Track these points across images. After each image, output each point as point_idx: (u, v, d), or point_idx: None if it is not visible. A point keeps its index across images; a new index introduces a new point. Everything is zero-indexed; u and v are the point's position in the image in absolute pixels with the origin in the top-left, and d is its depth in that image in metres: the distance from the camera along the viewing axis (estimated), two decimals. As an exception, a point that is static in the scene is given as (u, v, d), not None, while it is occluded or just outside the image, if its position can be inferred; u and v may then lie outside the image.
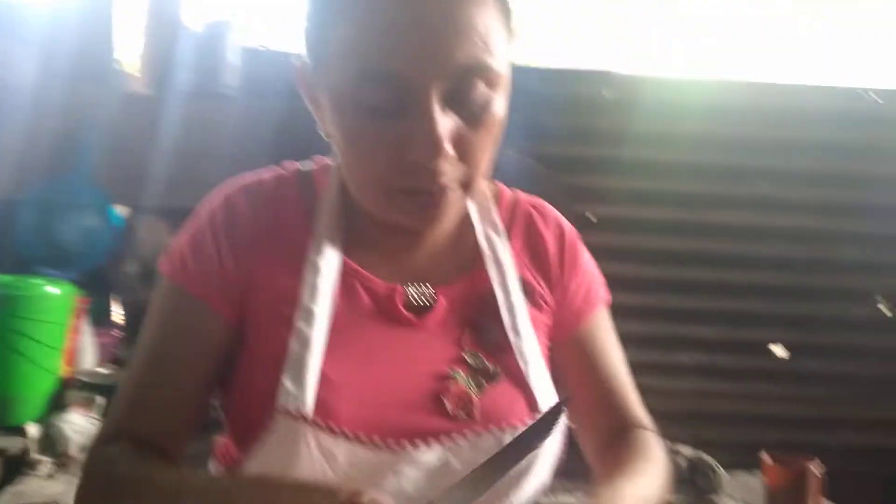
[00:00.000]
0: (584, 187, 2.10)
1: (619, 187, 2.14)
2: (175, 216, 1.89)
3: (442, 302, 0.73)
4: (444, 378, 0.70)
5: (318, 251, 0.71)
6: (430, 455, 0.67)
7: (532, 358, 0.73)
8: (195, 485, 0.64)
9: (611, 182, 2.13)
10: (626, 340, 2.42)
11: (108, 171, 1.85)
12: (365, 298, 0.72)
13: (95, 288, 1.79)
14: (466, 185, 0.66)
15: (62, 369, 1.51)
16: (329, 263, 0.71)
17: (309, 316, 0.68)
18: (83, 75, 1.90)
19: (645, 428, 0.79)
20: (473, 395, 0.69)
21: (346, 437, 0.64)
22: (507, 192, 0.82)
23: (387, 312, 0.72)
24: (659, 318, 2.12)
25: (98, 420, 1.46)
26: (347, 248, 0.73)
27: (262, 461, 0.66)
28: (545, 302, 0.78)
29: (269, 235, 0.72)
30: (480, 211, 0.78)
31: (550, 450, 0.72)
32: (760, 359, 2.19)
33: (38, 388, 1.45)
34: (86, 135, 1.85)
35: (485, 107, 0.64)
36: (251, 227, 0.72)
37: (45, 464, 1.39)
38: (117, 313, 1.93)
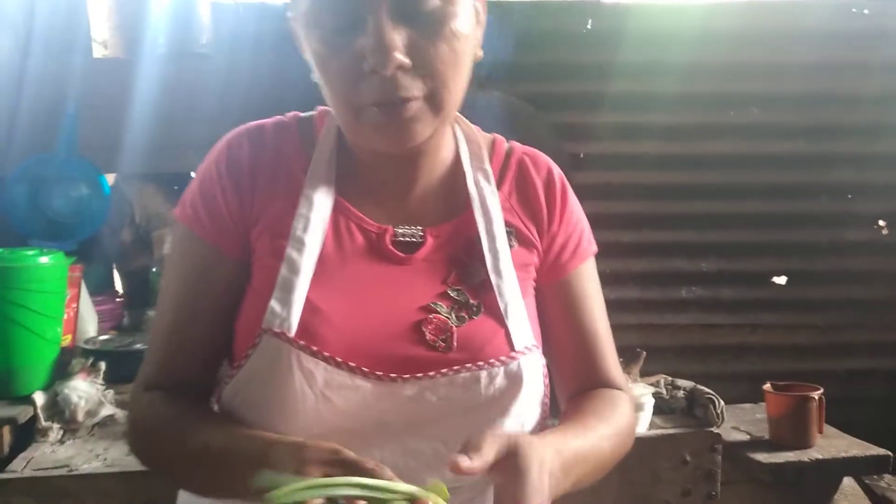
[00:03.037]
0: (571, 124, 2.07)
1: (607, 122, 2.11)
2: (162, 180, 1.91)
3: (430, 241, 0.76)
4: (427, 310, 0.72)
5: (314, 187, 0.74)
6: (406, 387, 0.69)
7: (511, 298, 0.75)
8: (216, 444, 0.67)
9: (598, 117, 2.10)
10: (625, 278, 2.44)
11: (93, 141, 1.84)
12: (357, 236, 0.75)
13: (93, 257, 1.80)
14: (432, 101, 0.68)
15: (64, 339, 1.52)
16: (322, 199, 0.74)
17: (300, 245, 0.71)
18: (60, 48, 1.88)
19: (617, 388, 0.80)
20: (453, 326, 0.71)
21: (325, 359, 0.67)
22: (503, 143, 0.85)
23: (376, 250, 0.75)
24: (656, 253, 2.12)
25: (102, 385, 1.49)
26: (342, 190, 0.76)
27: (247, 377, 0.70)
28: (533, 246, 0.80)
29: (269, 174, 0.76)
30: (472, 158, 0.81)
31: (534, 385, 0.73)
32: (761, 289, 2.19)
33: (41, 358, 1.46)
34: (68, 106, 1.83)
35: (440, 18, 0.66)
36: (251, 168, 0.75)
37: (54, 430, 1.42)
38: (118, 281, 1.95)
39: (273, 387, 0.68)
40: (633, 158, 2.13)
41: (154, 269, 1.85)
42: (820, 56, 2.12)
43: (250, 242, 0.75)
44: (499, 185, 0.80)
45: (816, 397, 1.60)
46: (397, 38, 0.65)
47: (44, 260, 1.45)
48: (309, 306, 0.69)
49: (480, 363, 0.70)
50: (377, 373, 0.68)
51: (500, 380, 0.70)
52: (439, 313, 0.72)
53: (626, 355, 1.69)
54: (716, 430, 1.51)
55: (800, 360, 2.17)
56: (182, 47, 1.88)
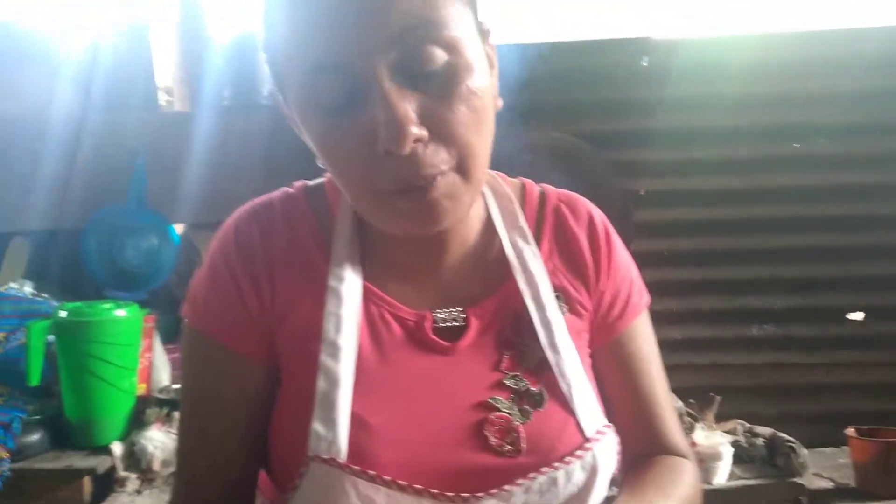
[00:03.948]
0: (629, 162, 2.04)
1: (665, 158, 2.06)
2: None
3: (474, 323, 0.68)
4: (486, 408, 0.64)
5: (339, 277, 0.66)
6: None
7: (574, 376, 0.67)
8: None
9: (656, 154, 2.06)
10: (692, 317, 2.37)
11: (160, 192, 1.90)
12: (393, 327, 0.67)
13: (164, 305, 1.85)
14: (463, 171, 0.59)
15: (139, 388, 1.56)
16: (351, 290, 0.66)
17: (335, 350, 0.63)
18: (127, 101, 1.95)
19: (682, 455, 0.74)
20: (518, 425, 0.64)
21: (386, 484, 0.60)
22: (534, 189, 0.76)
23: (417, 341, 0.67)
24: (723, 291, 2.05)
25: (175, 434, 1.51)
26: (368, 271, 0.68)
27: None
28: (583, 308, 0.72)
29: (285, 261, 0.67)
30: (505, 217, 0.72)
31: (608, 468, 0.68)
32: (836, 326, 2.10)
33: (118, 408, 1.50)
34: (137, 158, 1.90)
35: (451, 76, 0.57)
36: (265, 257, 0.67)
37: (132, 480, 1.45)
38: (185, 329, 1.99)
39: None
40: (693, 194, 2.08)
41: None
42: (884, 82, 2.05)
43: (275, 339, 0.66)
44: (537, 243, 0.72)
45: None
46: (408, 108, 0.55)
47: (120, 313, 1.49)
48: (356, 421, 0.61)
49: (556, 464, 0.63)
50: (447, 494, 0.61)
51: (577, 475, 0.64)
52: (500, 410, 0.64)
53: (700, 399, 1.64)
54: (799, 481, 1.44)
55: (878, 401, 2.07)
56: (245, 99, 1.93)
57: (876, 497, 1.50)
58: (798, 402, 2.05)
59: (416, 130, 0.56)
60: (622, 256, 0.75)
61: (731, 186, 2.08)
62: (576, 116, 2.02)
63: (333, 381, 0.63)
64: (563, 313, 0.70)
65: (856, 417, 1.62)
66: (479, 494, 0.61)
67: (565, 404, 0.66)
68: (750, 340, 2.05)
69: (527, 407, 0.65)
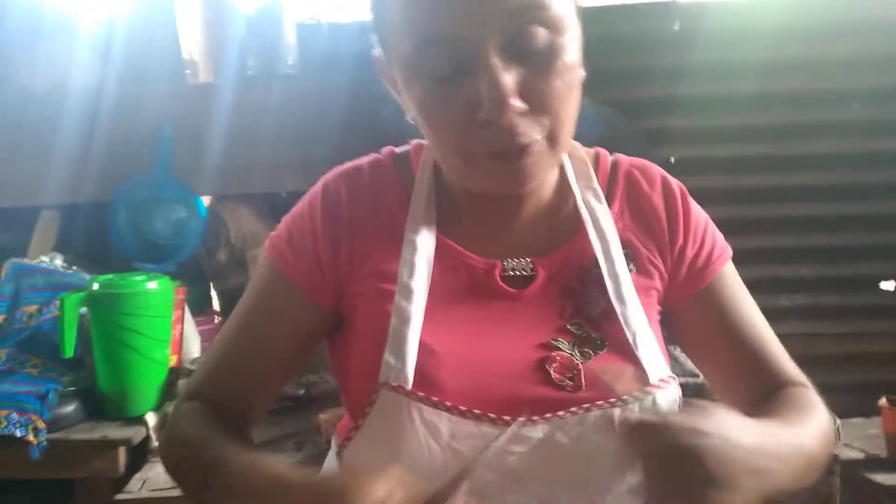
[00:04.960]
0: (658, 129, 2.01)
1: (696, 125, 2.03)
2: (255, 200, 1.95)
3: (542, 273, 0.72)
4: (548, 347, 0.68)
5: (415, 230, 0.72)
6: (535, 430, 0.65)
7: (639, 326, 0.70)
8: (230, 469, 0.63)
9: (686, 121, 2.02)
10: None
11: (187, 164, 1.90)
12: (464, 275, 0.72)
13: (192, 278, 1.86)
14: (552, 139, 0.65)
15: (171, 359, 1.58)
16: (425, 241, 0.72)
17: (408, 292, 0.69)
18: (152, 73, 1.94)
19: (802, 384, 0.74)
20: (579, 363, 0.68)
21: (448, 409, 0.65)
22: (607, 157, 0.80)
23: (486, 288, 0.71)
24: (751, 259, 2.02)
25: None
26: (444, 225, 0.73)
27: (368, 435, 0.67)
28: (654, 267, 0.75)
29: (368, 220, 0.74)
30: (579, 177, 0.76)
31: None
32: (867, 295, 2.07)
33: (151, 380, 1.52)
34: (160, 130, 1.90)
35: (551, 53, 0.62)
36: (350, 214, 0.73)
37: (167, 450, 1.47)
38: (216, 300, 2.01)
39: (397, 443, 0.65)
40: (722, 161, 2.04)
41: (249, 288, 1.89)
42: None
43: (346, 287, 0.73)
44: (609, 203, 0.75)
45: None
46: (511, 82, 0.61)
47: (152, 285, 1.50)
48: (424, 350, 0.67)
49: (613, 400, 0.66)
50: (505, 418, 0.65)
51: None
52: (562, 350, 0.68)
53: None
54: (832, 451, 1.43)
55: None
56: (270, 69, 1.91)
57: (908, 467, 1.49)
58: (826, 372, 2.03)
59: (517, 103, 0.61)
60: (698, 214, 0.78)
61: (762, 153, 2.05)
62: (604, 84, 1.98)
63: (405, 319, 0.68)
64: (632, 270, 0.73)
65: (885, 389, 1.60)
66: (535, 418, 0.65)
67: (629, 351, 0.69)
68: (779, 310, 2.03)
69: (587, 349, 0.69)
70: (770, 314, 2.11)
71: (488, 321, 0.70)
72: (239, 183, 1.92)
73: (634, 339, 0.69)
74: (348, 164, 0.78)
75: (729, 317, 0.75)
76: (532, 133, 0.63)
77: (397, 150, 0.79)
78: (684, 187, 0.79)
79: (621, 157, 0.80)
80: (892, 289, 2.07)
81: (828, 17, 1.99)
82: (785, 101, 2.03)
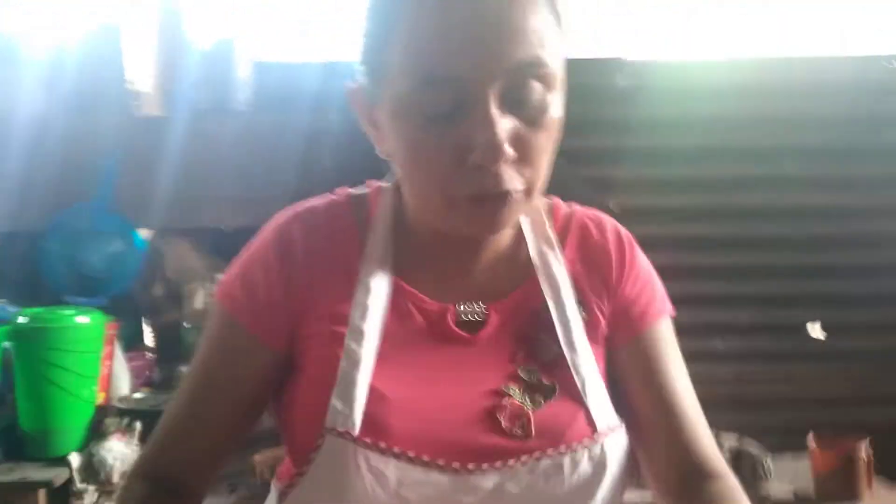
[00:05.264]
0: (602, 178, 2.07)
1: (638, 176, 2.10)
2: (196, 235, 1.92)
3: (494, 317, 0.72)
4: (499, 394, 0.68)
5: (370, 272, 0.71)
6: (485, 479, 0.64)
7: (588, 373, 0.70)
8: None
9: (629, 171, 2.10)
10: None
11: (127, 195, 1.86)
12: (417, 318, 0.71)
13: (124, 312, 1.80)
14: (528, 191, 0.66)
15: (98, 397, 1.51)
16: (380, 283, 0.71)
17: (359, 335, 0.68)
18: (96, 103, 1.91)
19: (717, 470, 0.71)
20: (529, 411, 0.67)
21: (396, 456, 0.63)
22: (563, 206, 0.80)
23: (439, 331, 0.71)
24: (689, 305, 2.07)
25: (137, 446, 1.47)
26: (400, 269, 0.73)
27: (313, 482, 0.65)
28: (602, 314, 0.75)
29: (322, 261, 0.72)
30: (534, 225, 0.76)
31: (619, 467, 0.68)
32: (798, 340, 2.15)
33: (76, 418, 1.45)
34: (103, 161, 1.86)
35: (542, 108, 0.64)
36: (304, 255, 0.72)
37: (90, 492, 1.40)
38: (148, 336, 1.94)
39: (342, 491, 0.63)
40: (662, 211, 2.12)
41: (185, 324, 1.84)
42: (850, 108, 2.12)
43: (298, 330, 0.71)
44: (562, 251, 0.75)
45: (864, 449, 1.56)
46: (505, 132, 0.62)
47: (83, 319, 1.45)
48: (374, 395, 0.65)
49: (562, 449, 0.65)
50: (454, 465, 0.64)
51: (584, 465, 0.66)
52: (512, 397, 0.68)
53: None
54: (763, 493, 1.47)
55: (837, 412, 2.12)
56: (221, 104, 1.90)
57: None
58: (760, 413, 2.10)
59: (510, 151, 0.62)
60: (644, 264, 0.78)
61: (701, 204, 2.13)
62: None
63: (355, 362, 0.67)
64: (584, 317, 0.73)
65: (818, 428, 1.66)
66: (484, 466, 0.64)
67: (578, 398, 0.69)
68: (715, 353, 2.09)
69: (538, 397, 0.69)
70: (706, 357, 2.17)
71: (440, 366, 0.69)
72: (183, 216, 1.89)
73: (583, 386, 0.69)
74: (302, 205, 0.76)
75: (656, 375, 0.73)
76: (515, 182, 0.64)
77: (353, 190, 0.78)
78: (633, 239, 0.80)
79: (577, 208, 0.81)
80: (818, 334, 2.16)
81: (766, 77, 2.12)
82: (724, 155, 2.13)
